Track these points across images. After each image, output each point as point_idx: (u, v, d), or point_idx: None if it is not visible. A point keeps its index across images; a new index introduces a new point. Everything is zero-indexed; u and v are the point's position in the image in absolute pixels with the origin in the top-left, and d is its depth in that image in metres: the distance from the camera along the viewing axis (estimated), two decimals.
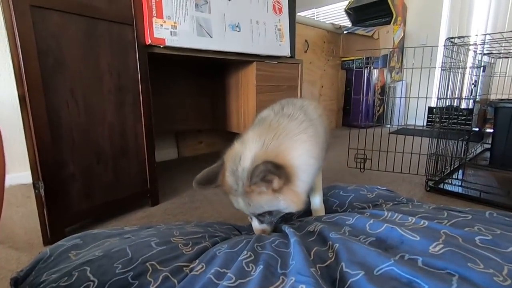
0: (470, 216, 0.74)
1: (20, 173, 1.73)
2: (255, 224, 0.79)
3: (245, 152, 0.71)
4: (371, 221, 0.73)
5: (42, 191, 1.01)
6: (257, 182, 0.66)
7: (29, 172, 1.00)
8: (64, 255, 0.70)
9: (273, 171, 0.65)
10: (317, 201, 0.98)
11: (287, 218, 0.96)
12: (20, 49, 0.92)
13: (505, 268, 0.52)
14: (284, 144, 0.72)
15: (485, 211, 0.79)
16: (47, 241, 1.04)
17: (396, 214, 0.76)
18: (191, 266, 0.64)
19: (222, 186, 0.73)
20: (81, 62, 1.08)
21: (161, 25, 1.30)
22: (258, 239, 0.72)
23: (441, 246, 0.59)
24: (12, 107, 1.68)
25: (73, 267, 0.62)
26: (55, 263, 0.67)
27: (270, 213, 0.74)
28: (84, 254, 0.69)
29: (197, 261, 0.66)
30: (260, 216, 0.75)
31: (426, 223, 0.70)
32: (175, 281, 0.60)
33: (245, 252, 0.65)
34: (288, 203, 0.71)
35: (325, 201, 1.02)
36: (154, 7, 1.27)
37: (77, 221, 1.15)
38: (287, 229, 0.75)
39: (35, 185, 1.01)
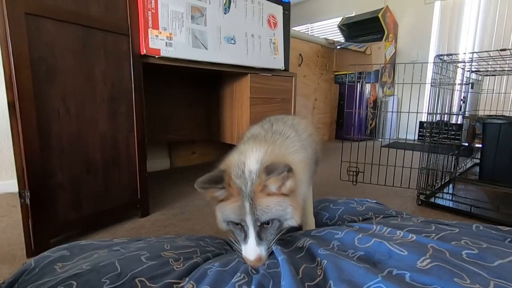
0: (457, 230, 0.75)
1: (6, 181, 1.70)
2: (251, 245, 0.70)
3: (250, 158, 0.71)
4: (360, 235, 0.73)
5: (28, 200, 0.99)
6: (276, 176, 0.65)
7: (16, 180, 0.98)
8: (49, 267, 0.68)
9: (290, 170, 0.65)
10: (307, 215, 0.98)
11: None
12: (12, 57, 0.92)
13: (491, 283, 0.53)
14: (285, 155, 0.74)
15: (472, 224, 0.80)
16: (30, 252, 1.01)
17: (385, 228, 0.76)
18: (181, 284, 0.63)
19: (228, 188, 0.69)
20: (75, 70, 1.08)
21: (157, 36, 1.32)
22: None
23: (428, 260, 0.59)
24: (1, 114, 1.66)
25: (58, 281, 0.60)
26: (39, 276, 0.65)
27: (272, 223, 0.70)
28: (70, 266, 0.67)
29: (187, 278, 0.65)
30: (262, 229, 0.70)
31: (414, 237, 0.70)
32: None
33: (238, 274, 0.64)
34: (293, 210, 0.70)
35: (316, 215, 1.02)
36: (150, 18, 1.29)
37: (64, 232, 1.12)
38: (274, 246, 0.73)
39: (21, 194, 0.98)
